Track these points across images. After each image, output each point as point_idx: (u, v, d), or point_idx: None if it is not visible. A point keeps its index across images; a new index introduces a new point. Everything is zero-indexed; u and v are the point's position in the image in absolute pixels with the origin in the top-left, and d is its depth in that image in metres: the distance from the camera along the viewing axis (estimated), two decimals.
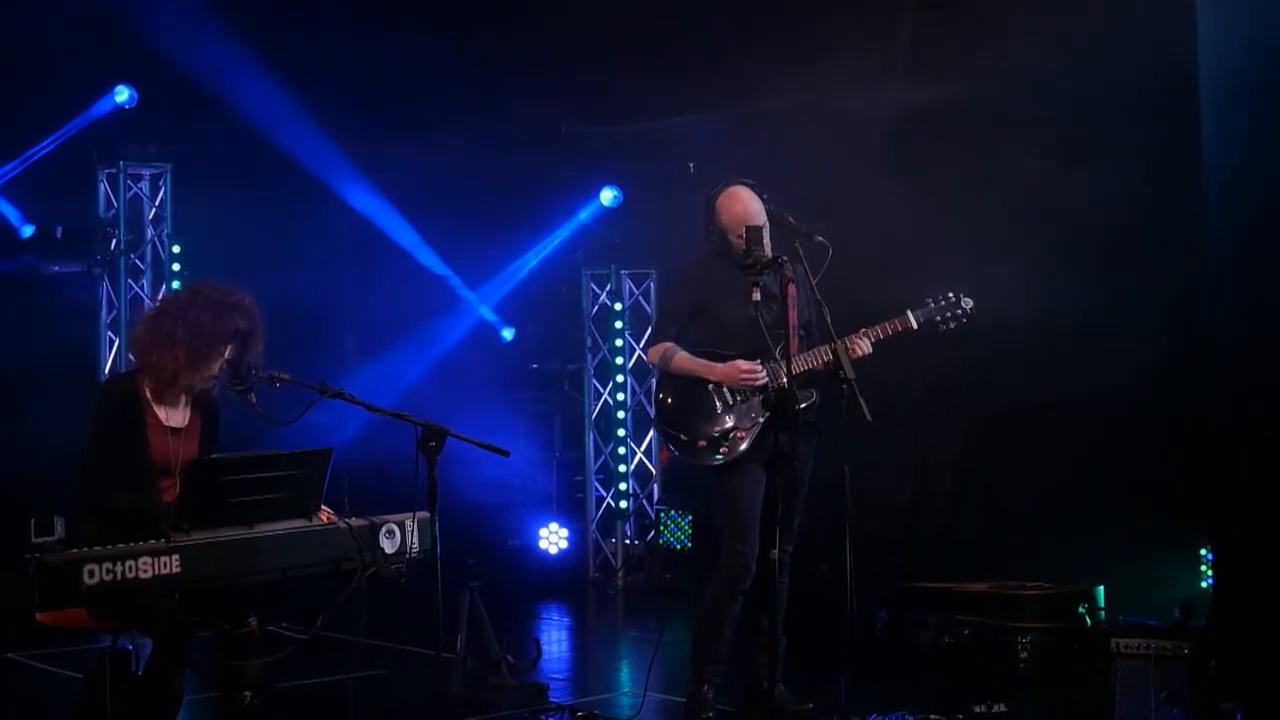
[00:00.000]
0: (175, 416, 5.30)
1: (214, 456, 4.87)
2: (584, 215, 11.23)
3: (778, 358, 6.18)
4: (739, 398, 6.23)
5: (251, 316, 5.29)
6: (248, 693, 5.02)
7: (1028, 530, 8.71)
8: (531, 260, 11.66)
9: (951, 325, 6.25)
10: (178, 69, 10.25)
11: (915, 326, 6.13)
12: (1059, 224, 8.53)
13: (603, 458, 11.17)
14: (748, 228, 5.41)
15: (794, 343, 6.06)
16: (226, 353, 5.25)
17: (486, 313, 11.98)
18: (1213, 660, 5.84)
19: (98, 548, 4.51)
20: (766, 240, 6.11)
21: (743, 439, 6.21)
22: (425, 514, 5.16)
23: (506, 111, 10.97)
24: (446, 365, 11.76)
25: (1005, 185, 8.71)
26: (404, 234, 11.65)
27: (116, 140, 10.67)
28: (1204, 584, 8.06)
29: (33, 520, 4.42)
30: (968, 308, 6.31)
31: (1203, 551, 8.08)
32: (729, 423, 6.24)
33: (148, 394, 5.25)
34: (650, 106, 10.69)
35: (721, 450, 6.25)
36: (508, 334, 12.02)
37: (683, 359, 6.33)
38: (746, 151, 9.84)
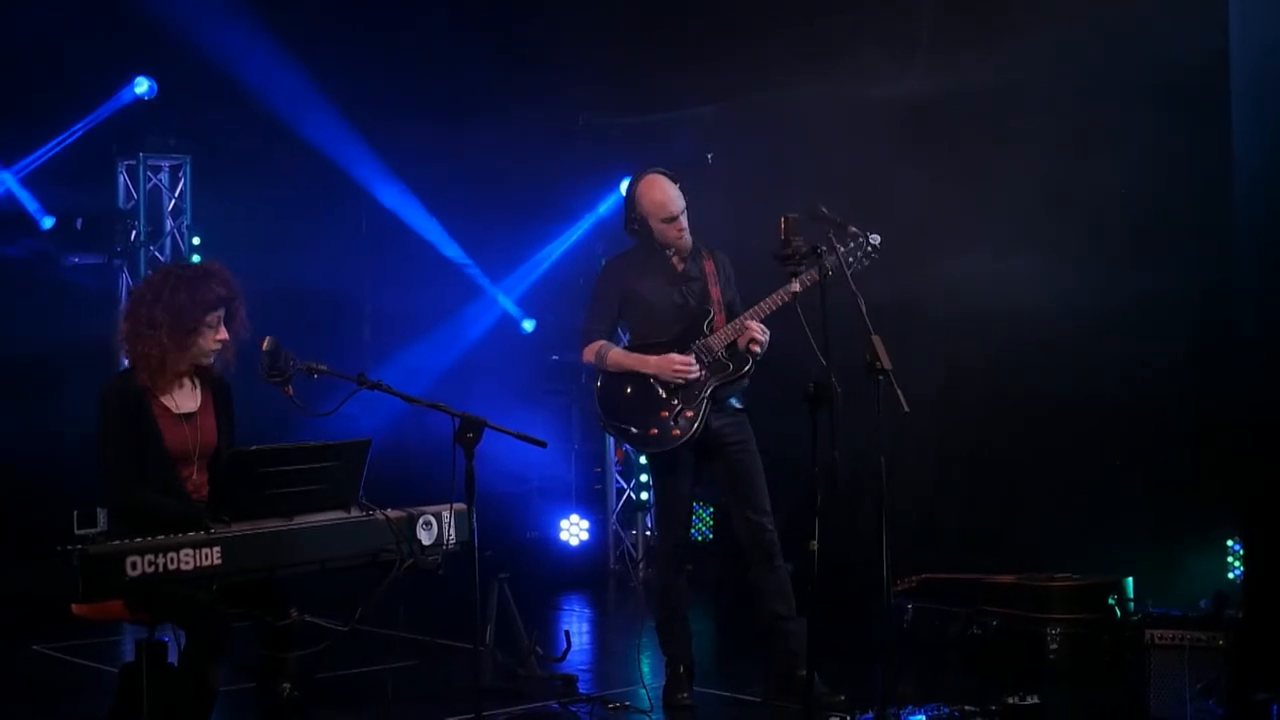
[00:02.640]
0: (185, 402, 5.27)
1: (254, 448, 4.84)
2: (604, 208, 11.19)
3: (706, 331, 6.46)
4: (679, 380, 6.41)
5: (227, 282, 5.26)
6: (287, 684, 5.02)
7: (1049, 523, 8.69)
8: (554, 252, 11.63)
9: (864, 263, 6.22)
10: (197, 60, 10.24)
11: (830, 273, 5.83)
12: (1084, 215, 8.50)
13: (624, 447, 11.13)
14: (786, 218, 5.40)
15: (720, 317, 6.46)
16: (214, 322, 5.21)
17: (507, 304, 11.95)
18: (1246, 651, 5.83)
19: (139, 539, 4.51)
20: (685, 224, 6.47)
21: (693, 417, 6.40)
22: (462, 505, 5.16)
23: (525, 103, 10.96)
24: (465, 357, 11.75)
25: (1029, 175, 8.67)
26: (424, 224, 11.63)
27: (136, 131, 10.67)
28: (1230, 575, 8.04)
29: (76, 512, 4.41)
30: (875, 243, 6.31)
31: (1229, 542, 8.06)
32: (676, 405, 6.41)
33: (149, 387, 5.22)
34: (668, 97, 10.66)
35: (674, 433, 6.42)
36: (528, 325, 11.99)
37: (616, 355, 6.51)
38: (765, 141, 9.83)
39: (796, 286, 5.43)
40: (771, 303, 6.30)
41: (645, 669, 7.02)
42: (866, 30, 9.17)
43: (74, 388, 10.30)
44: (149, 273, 5.42)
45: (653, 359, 6.43)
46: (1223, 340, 7.87)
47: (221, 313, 5.23)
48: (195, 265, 5.39)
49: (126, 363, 5.34)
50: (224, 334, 5.24)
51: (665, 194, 6.45)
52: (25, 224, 10.57)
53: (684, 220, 6.48)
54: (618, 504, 11.16)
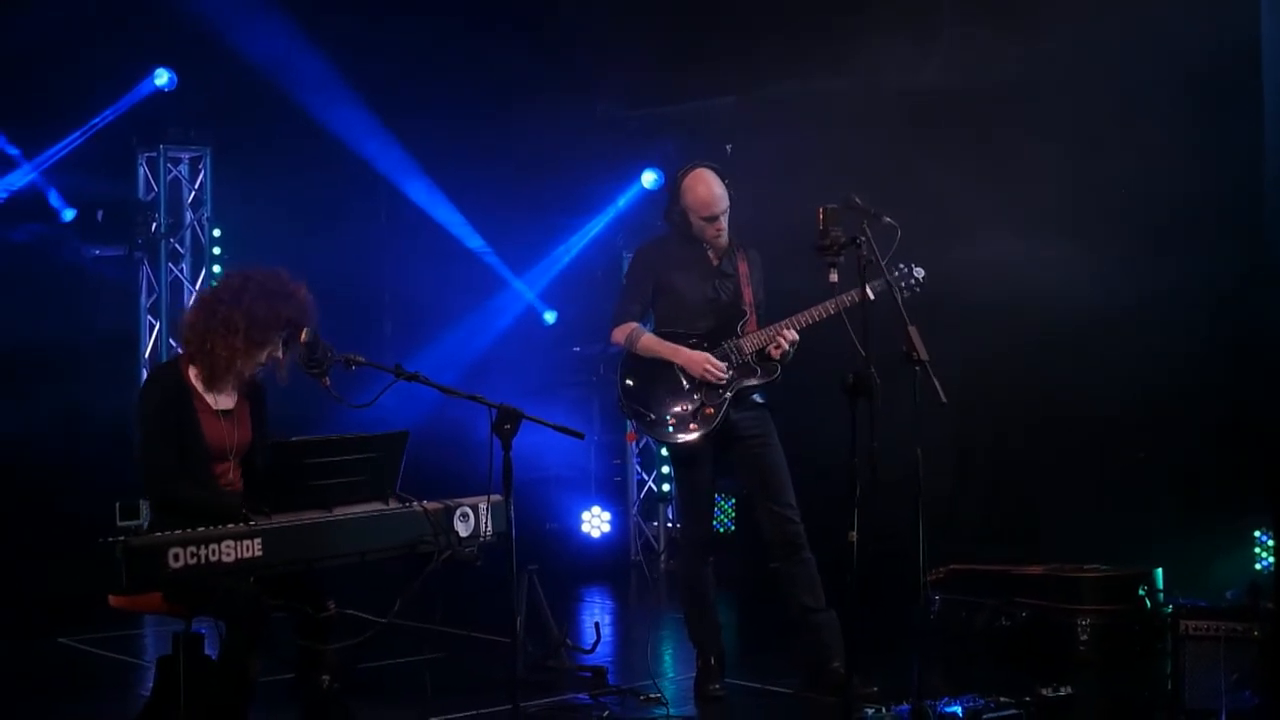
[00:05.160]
0: (224, 400, 5.28)
1: (296, 439, 4.85)
2: (623, 202, 11.17)
3: (739, 332, 6.45)
4: (705, 378, 6.40)
5: (303, 306, 5.26)
6: (326, 676, 5.02)
7: (1071, 515, 8.66)
8: (576, 245, 11.60)
9: (905, 294, 6.23)
10: (217, 51, 10.23)
11: (873, 297, 5.93)
12: (1109, 207, 8.46)
13: (643, 441, 11.13)
14: (824, 209, 5.39)
15: (753, 319, 6.46)
16: (277, 339, 5.23)
17: (528, 294, 11.93)
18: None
19: (179, 531, 4.50)
20: (725, 224, 6.45)
21: (712, 414, 6.39)
22: (499, 497, 5.15)
23: (547, 95, 10.95)
24: (486, 348, 11.73)
25: (1052, 167, 8.64)
26: (446, 216, 11.61)
27: (156, 123, 10.67)
28: (1258, 566, 8.03)
29: (118, 504, 4.40)
30: (919, 277, 6.42)
31: (1256, 533, 8.05)
32: (697, 400, 6.40)
33: (194, 380, 5.22)
34: (686, 89, 10.64)
35: (691, 427, 6.41)
36: (550, 317, 11.98)
37: (649, 340, 6.48)
38: (784, 133, 9.79)
39: (834, 277, 5.41)
40: (814, 314, 6.31)
41: (666, 661, 7.01)
42: (886, 21, 9.13)
43: (94, 377, 10.35)
44: (230, 271, 5.34)
45: (685, 351, 6.42)
46: (1250, 331, 7.86)
47: (286, 333, 5.23)
48: (280, 278, 5.27)
49: (159, 347, 5.31)
50: (279, 352, 5.24)
51: (711, 192, 6.41)
52: (34, 211, 10.54)
53: (724, 221, 6.47)
54: (638, 496, 11.16)
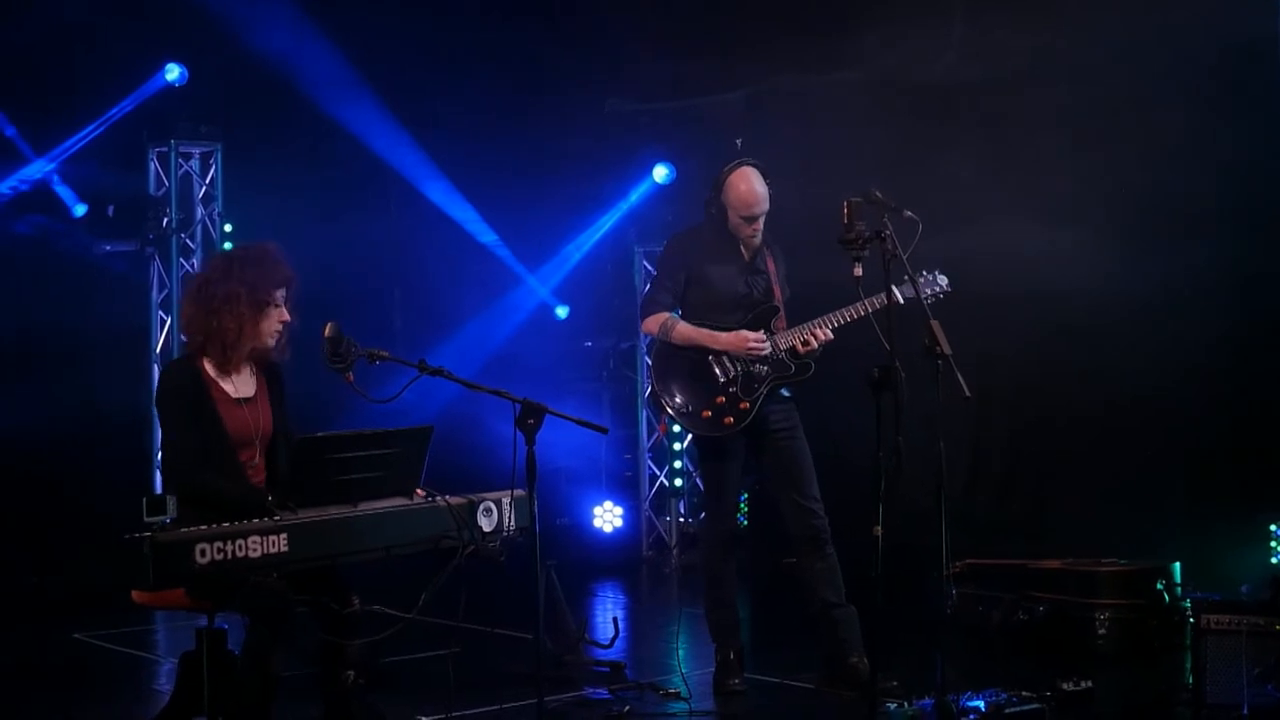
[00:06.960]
0: (243, 387, 5.27)
1: (321, 434, 4.83)
2: (634, 197, 11.15)
3: (772, 329, 6.43)
4: (740, 367, 6.38)
5: (286, 261, 5.28)
6: (350, 672, 5.01)
7: (1083, 509, 8.66)
8: (588, 241, 11.58)
9: (930, 301, 6.19)
10: (228, 46, 10.21)
11: (902, 301, 5.92)
12: (1122, 199, 8.46)
13: (655, 435, 11.13)
14: (849, 202, 5.36)
15: (783, 318, 6.45)
16: (279, 300, 5.22)
17: (540, 290, 11.92)
18: None
19: (204, 527, 4.49)
20: (761, 225, 6.45)
21: (747, 409, 6.35)
22: (522, 492, 5.14)
23: (558, 90, 10.94)
24: (498, 344, 11.71)
25: (1063, 160, 8.64)
26: (459, 212, 11.59)
27: (167, 118, 10.63)
28: (1274, 560, 8.02)
29: (145, 499, 4.38)
30: (944, 285, 6.45)
31: (1273, 527, 8.04)
32: (734, 392, 6.37)
33: (210, 371, 5.21)
34: (696, 83, 10.62)
35: (726, 420, 6.37)
36: (562, 312, 11.95)
37: (685, 329, 6.45)
38: (795, 127, 9.78)
39: (859, 271, 5.39)
40: (844, 315, 6.31)
41: (681, 655, 7.00)
42: (898, 14, 9.12)
43: (105, 373, 10.33)
44: (206, 259, 5.36)
45: (723, 335, 6.38)
46: (1266, 325, 7.85)
47: (284, 292, 5.23)
48: (255, 245, 5.34)
49: (170, 343, 5.31)
50: (285, 315, 5.24)
51: (755, 193, 6.39)
52: (44, 206, 10.50)
53: (761, 222, 6.45)
54: (651, 490, 11.15)
